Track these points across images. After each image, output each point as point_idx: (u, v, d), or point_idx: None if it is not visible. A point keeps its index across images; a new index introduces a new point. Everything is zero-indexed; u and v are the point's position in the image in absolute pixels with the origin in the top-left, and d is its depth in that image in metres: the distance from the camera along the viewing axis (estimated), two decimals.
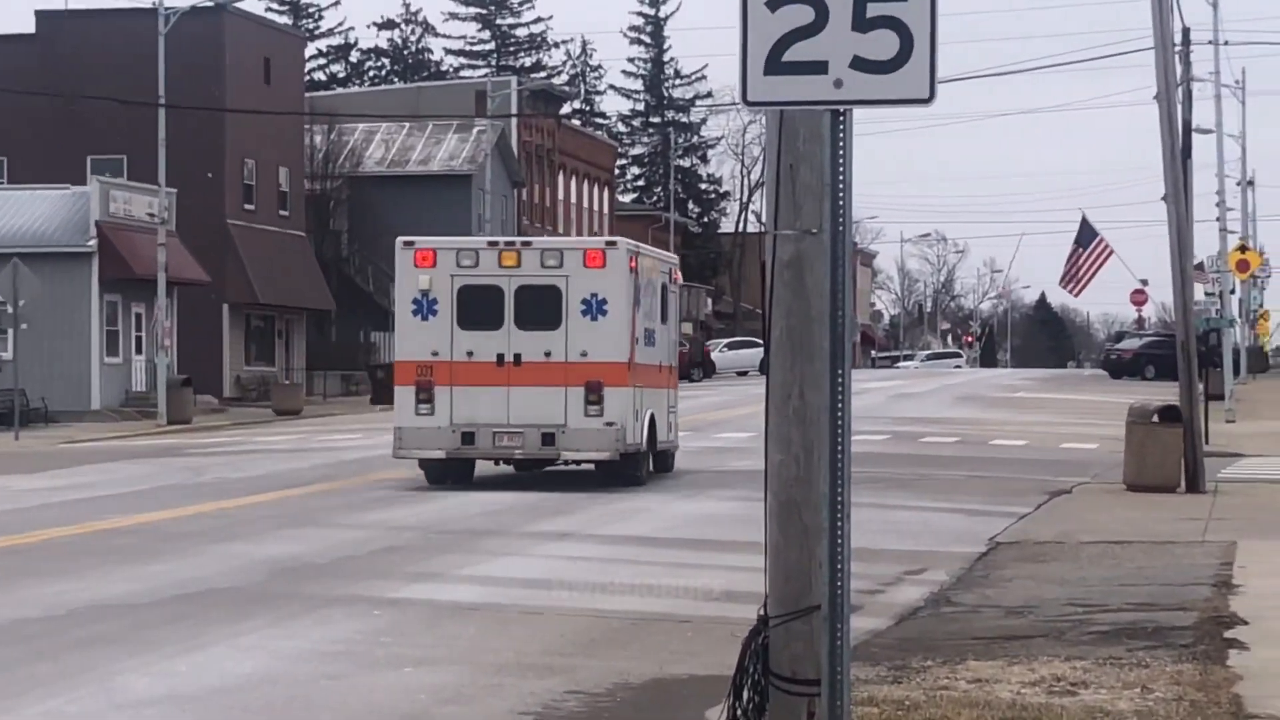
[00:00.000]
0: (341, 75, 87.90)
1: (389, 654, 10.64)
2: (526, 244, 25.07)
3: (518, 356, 21.02)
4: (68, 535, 17.78)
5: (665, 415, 23.41)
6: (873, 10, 5.30)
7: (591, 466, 21.93)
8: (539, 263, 21.69)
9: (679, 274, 26.93)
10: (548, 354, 21.05)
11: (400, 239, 22.38)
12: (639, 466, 21.90)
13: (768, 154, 6.84)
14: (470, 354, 20.89)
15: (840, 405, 5.68)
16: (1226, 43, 46.90)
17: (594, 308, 21.05)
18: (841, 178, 5.59)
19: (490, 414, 20.84)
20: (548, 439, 21.08)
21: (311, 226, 57.77)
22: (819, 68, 5.39)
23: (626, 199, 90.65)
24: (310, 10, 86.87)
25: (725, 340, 72.70)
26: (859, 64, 5.37)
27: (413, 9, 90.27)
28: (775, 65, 5.45)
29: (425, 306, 21.11)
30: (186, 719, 8.62)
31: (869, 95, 5.43)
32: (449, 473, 21.66)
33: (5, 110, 46.06)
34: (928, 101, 5.34)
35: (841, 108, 5.51)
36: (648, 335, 22.51)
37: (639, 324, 21.98)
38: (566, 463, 22.08)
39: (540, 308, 21.30)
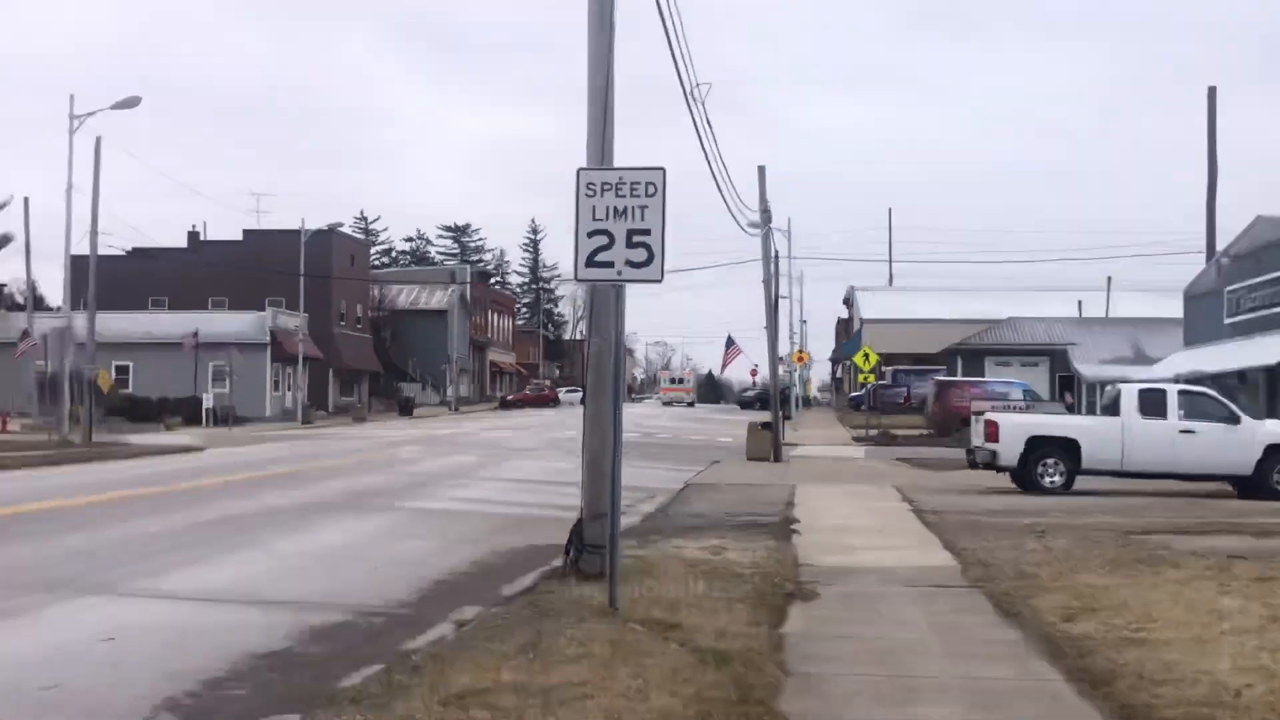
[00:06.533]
0: (385, 262, 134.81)
1: (407, 534, 16.04)
2: None
3: None
4: (286, 473, 21.48)
5: None
6: (635, 239, 9.05)
7: None
8: None
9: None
10: None
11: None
12: None
13: (586, 301, 12.70)
14: None
15: (616, 418, 9.79)
16: (791, 256, 72.15)
17: None
18: (618, 315, 9.90)
19: None
20: None
21: (371, 334, 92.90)
22: (609, 265, 9.13)
23: (519, 323, 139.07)
24: (373, 230, 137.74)
25: (565, 388, 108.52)
26: (629, 263, 9.06)
27: (423, 233, 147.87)
28: (590, 263, 9.20)
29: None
30: (281, 564, 11.02)
31: (633, 278, 9.12)
32: None
33: (228, 277, 76.74)
34: (659, 281, 9.21)
35: (619, 284, 9.33)
36: None
37: None
38: None
39: None
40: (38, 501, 19.52)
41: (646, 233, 9.24)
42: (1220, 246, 43.32)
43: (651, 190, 9.34)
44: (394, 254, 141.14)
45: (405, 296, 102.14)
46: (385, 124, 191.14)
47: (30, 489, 22.16)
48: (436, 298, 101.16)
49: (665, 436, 48.48)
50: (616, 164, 10.81)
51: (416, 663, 7.85)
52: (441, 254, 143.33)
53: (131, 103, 42.31)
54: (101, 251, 44.66)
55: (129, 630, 9.33)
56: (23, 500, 19.70)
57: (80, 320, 43.76)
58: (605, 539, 10.14)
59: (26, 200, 75.80)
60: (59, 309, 55.44)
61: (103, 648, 8.71)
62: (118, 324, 61.95)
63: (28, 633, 9.30)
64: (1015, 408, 41.24)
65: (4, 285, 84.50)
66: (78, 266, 46.26)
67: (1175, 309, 48.52)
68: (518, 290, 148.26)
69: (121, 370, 64.53)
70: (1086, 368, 60.40)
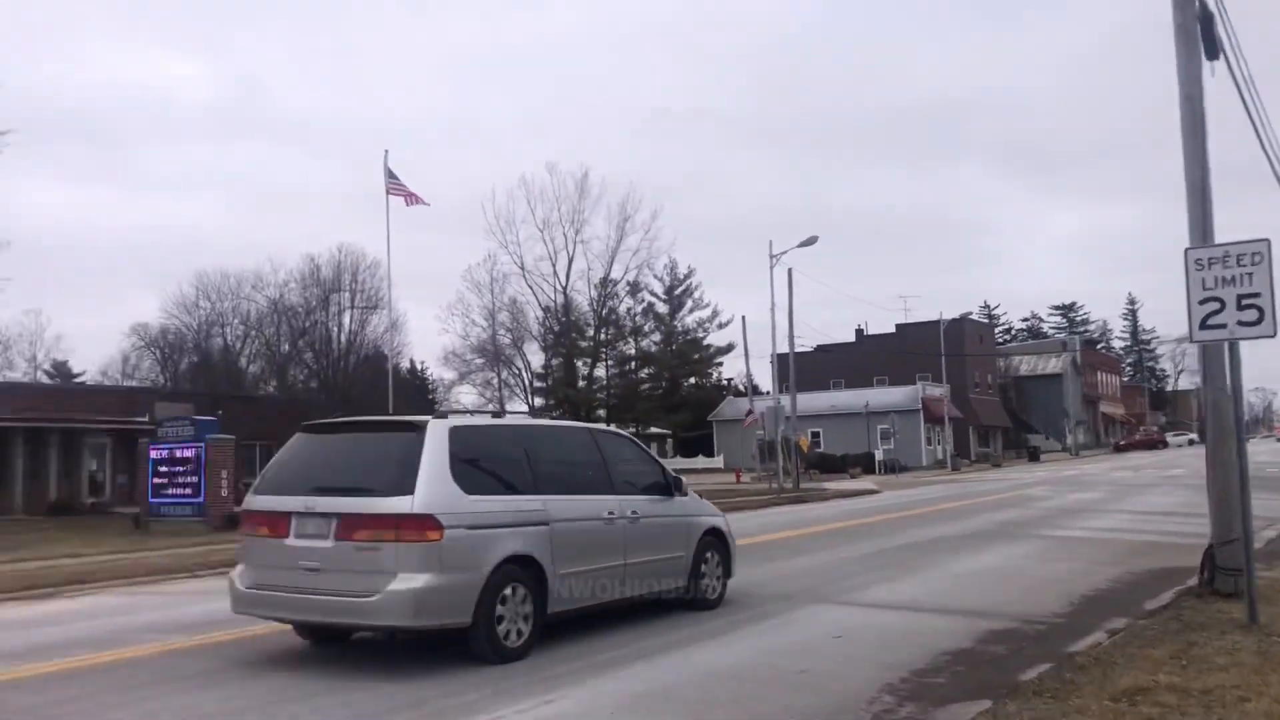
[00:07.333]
0: (1006, 339, 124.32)
1: (1052, 557, 14.97)
2: None
3: None
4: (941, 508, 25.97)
5: None
6: (1244, 302, 8.38)
7: None
8: None
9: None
10: None
11: None
12: None
13: (1201, 358, 10.07)
14: None
15: (1242, 457, 8.85)
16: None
17: None
18: (1234, 367, 8.86)
19: None
20: None
21: (999, 396, 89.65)
22: (1222, 327, 8.48)
23: (1124, 379, 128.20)
24: (994, 315, 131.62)
25: (1171, 433, 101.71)
26: (1240, 323, 8.37)
27: (1035, 313, 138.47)
28: (1202, 326, 8.65)
29: None
30: (955, 581, 11.97)
31: (1245, 335, 8.39)
32: None
33: (886, 361, 78.50)
34: (1272, 336, 8.21)
35: (1231, 340, 8.65)
36: None
37: None
38: None
39: None
40: (771, 534, 20.43)
41: (1256, 295, 8.39)
42: None
43: (1257, 259, 8.47)
44: (1013, 332, 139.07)
45: (1025, 365, 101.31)
46: (995, 230, 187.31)
47: (763, 523, 23.30)
48: (1051, 364, 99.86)
49: (1274, 470, 42.45)
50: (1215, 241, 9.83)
51: (1081, 663, 7.38)
52: (1052, 328, 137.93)
53: (810, 241, 44.39)
54: (795, 349, 47.22)
55: (848, 630, 9.50)
56: (760, 532, 20.61)
57: (785, 400, 46.36)
58: (1238, 562, 9.07)
59: (744, 318, 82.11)
60: (769, 393, 59.34)
61: (833, 643, 8.95)
62: (810, 401, 65.27)
63: (782, 630, 9.76)
64: None
65: (731, 379, 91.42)
66: (780, 361, 49.17)
67: None
68: (1120, 352, 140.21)
69: (814, 434, 67.85)
70: None
